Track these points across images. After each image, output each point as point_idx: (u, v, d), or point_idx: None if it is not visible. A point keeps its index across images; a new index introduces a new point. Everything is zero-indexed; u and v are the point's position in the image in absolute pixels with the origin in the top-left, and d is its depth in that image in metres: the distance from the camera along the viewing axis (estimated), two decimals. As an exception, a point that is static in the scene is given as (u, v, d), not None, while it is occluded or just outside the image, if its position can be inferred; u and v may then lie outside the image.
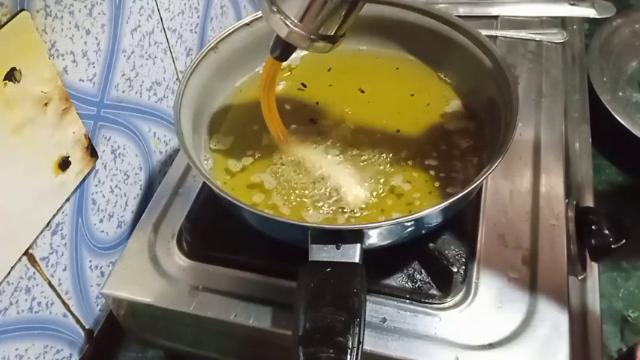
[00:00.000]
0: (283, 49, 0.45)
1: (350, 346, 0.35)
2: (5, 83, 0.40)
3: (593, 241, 0.52)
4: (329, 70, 0.59)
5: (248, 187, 0.50)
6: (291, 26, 0.42)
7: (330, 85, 0.58)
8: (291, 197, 0.48)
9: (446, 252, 0.47)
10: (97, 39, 0.50)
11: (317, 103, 0.56)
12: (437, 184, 0.49)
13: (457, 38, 0.55)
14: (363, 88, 0.58)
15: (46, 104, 0.44)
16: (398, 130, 0.53)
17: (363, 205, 0.47)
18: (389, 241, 0.43)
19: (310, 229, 0.41)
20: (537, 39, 0.71)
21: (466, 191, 0.41)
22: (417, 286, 0.46)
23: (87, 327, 0.56)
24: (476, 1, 0.76)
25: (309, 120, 0.55)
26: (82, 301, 0.54)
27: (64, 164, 0.48)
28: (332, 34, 0.43)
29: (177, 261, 0.50)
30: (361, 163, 0.51)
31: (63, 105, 0.46)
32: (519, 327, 0.44)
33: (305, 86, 0.58)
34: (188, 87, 0.50)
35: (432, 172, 0.50)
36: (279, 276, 0.48)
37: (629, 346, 0.56)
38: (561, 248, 0.49)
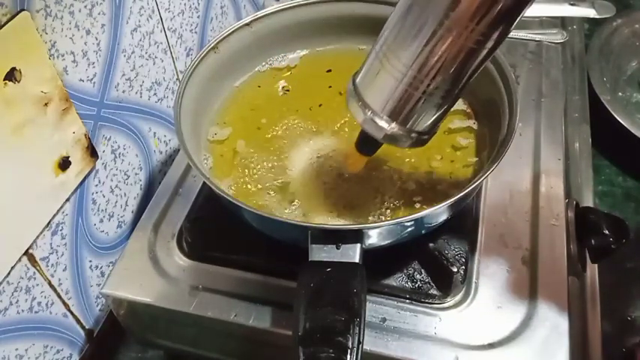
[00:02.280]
0: (375, 147, 0.44)
1: (350, 346, 0.35)
2: (5, 83, 0.40)
3: (593, 241, 0.52)
4: (329, 71, 0.59)
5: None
6: (387, 126, 0.39)
7: (330, 87, 0.58)
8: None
9: (446, 252, 0.47)
10: (97, 39, 0.50)
11: (320, 105, 0.56)
12: (439, 186, 0.49)
13: (457, 38, 0.55)
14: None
15: (46, 104, 0.44)
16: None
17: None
18: (389, 241, 0.43)
19: (310, 229, 0.41)
20: (537, 39, 0.71)
21: (466, 191, 0.41)
22: (417, 286, 0.46)
23: (87, 327, 0.56)
24: (476, 1, 0.76)
25: (308, 119, 0.55)
26: (82, 301, 0.54)
27: (64, 164, 0.48)
28: (427, 129, 0.40)
29: (177, 261, 0.50)
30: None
31: (63, 105, 0.46)
32: (519, 327, 0.44)
33: (304, 87, 0.58)
34: (188, 87, 0.50)
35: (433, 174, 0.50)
36: (279, 276, 0.48)
37: (629, 346, 0.56)
38: (561, 248, 0.49)
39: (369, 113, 0.39)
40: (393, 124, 0.39)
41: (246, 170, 0.51)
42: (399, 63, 0.37)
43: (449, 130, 0.53)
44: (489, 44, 0.35)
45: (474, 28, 0.34)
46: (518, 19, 0.35)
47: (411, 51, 0.36)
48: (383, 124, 0.39)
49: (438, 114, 0.39)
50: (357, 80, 0.41)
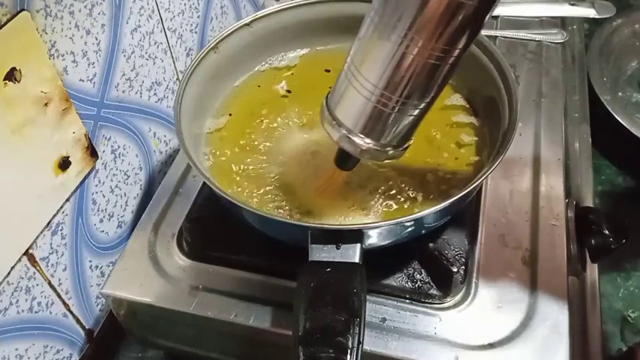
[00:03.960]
0: (354, 162, 0.44)
1: (350, 346, 0.35)
2: (5, 83, 0.40)
3: (593, 241, 0.52)
4: (327, 71, 0.59)
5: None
6: (362, 142, 0.39)
7: (330, 87, 0.58)
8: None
9: (446, 252, 0.47)
10: (97, 39, 0.50)
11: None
12: (442, 186, 0.49)
13: (457, 38, 0.55)
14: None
15: (46, 104, 0.44)
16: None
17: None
18: (389, 241, 0.43)
19: (310, 229, 0.41)
20: (537, 39, 0.71)
21: (466, 191, 0.41)
22: (416, 286, 0.46)
23: (87, 327, 0.56)
24: (476, 1, 0.76)
25: (307, 120, 0.55)
26: (82, 301, 0.54)
27: (64, 164, 0.48)
28: (402, 142, 0.41)
29: (177, 261, 0.50)
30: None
31: (63, 105, 0.46)
32: (519, 327, 0.44)
33: (304, 88, 0.58)
34: (188, 87, 0.50)
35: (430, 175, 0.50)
36: (279, 276, 0.48)
37: (629, 346, 0.56)
38: (561, 248, 0.49)
39: (344, 131, 0.40)
40: (368, 140, 0.39)
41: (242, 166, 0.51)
42: (367, 81, 0.37)
43: (454, 124, 0.53)
44: (451, 58, 0.35)
45: (434, 44, 0.34)
46: (477, 34, 0.35)
47: (377, 69, 0.36)
48: (358, 140, 0.39)
49: (410, 126, 0.40)
50: (329, 99, 0.41)
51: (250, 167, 0.51)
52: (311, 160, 0.51)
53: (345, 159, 0.44)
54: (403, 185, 0.49)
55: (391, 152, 0.41)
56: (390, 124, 0.39)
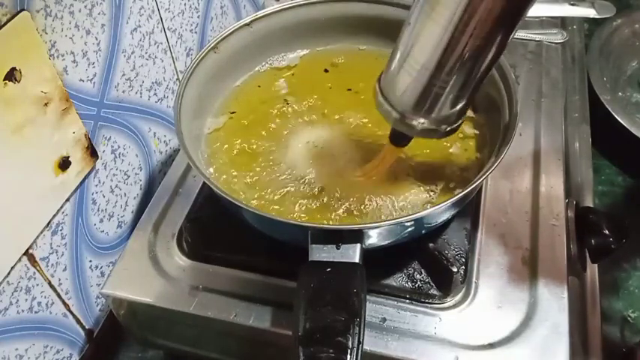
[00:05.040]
0: (409, 139, 0.45)
1: (350, 346, 0.35)
2: (5, 83, 0.40)
3: (593, 241, 0.52)
4: (326, 71, 0.59)
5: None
6: (417, 123, 0.41)
7: (330, 87, 0.58)
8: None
9: (446, 252, 0.47)
10: (97, 39, 0.50)
11: (325, 111, 0.56)
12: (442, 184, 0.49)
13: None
14: (361, 89, 0.57)
15: (46, 104, 0.44)
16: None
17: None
18: (389, 241, 0.43)
19: (310, 229, 0.41)
20: (537, 39, 0.71)
21: (466, 191, 0.41)
22: (417, 286, 0.46)
23: (87, 327, 0.56)
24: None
25: (307, 119, 0.55)
26: (82, 301, 0.54)
27: (64, 164, 0.48)
28: (456, 119, 0.42)
29: (178, 261, 0.50)
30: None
31: (63, 105, 0.46)
32: (519, 327, 0.44)
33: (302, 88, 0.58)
34: (188, 87, 0.50)
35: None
36: (279, 276, 0.48)
37: (629, 346, 0.56)
38: (561, 248, 0.49)
39: (398, 114, 0.41)
40: (422, 120, 0.41)
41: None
42: (418, 63, 0.39)
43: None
44: (499, 39, 0.37)
45: (483, 25, 0.35)
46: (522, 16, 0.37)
47: (428, 49, 0.38)
48: (412, 122, 0.41)
49: (463, 104, 0.41)
50: (382, 83, 0.42)
51: (252, 168, 0.51)
52: (317, 156, 0.52)
53: (400, 137, 0.45)
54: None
55: (446, 129, 0.42)
56: (443, 103, 0.40)
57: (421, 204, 0.47)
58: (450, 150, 0.51)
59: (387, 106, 0.42)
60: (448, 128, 0.42)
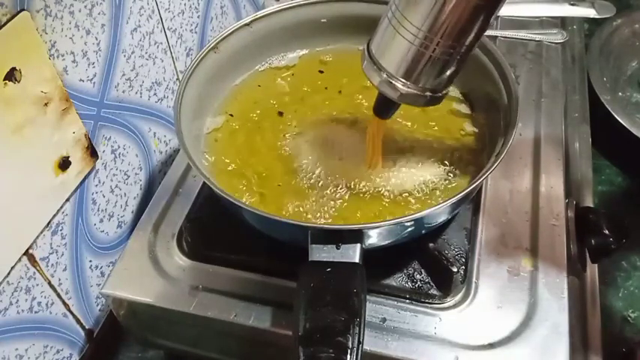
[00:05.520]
0: (392, 109, 0.45)
1: (350, 346, 0.35)
2: (5, 83, 0.40)
3: (593, 241, 0.52)
4: (321, 72, 0.59)
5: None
6: (402, 87, 0.41)
7: (326, 88, 0.58)
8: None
9: (446, 252, 0.47)
10: (97, 39, 0.50)
11: (324, 110, 0.56)
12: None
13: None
14: (362, 88, 0.57)
15: (46, 104, 0.44)
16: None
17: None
18: (389, 241, 0.43)
19: (310, 229, 0.41)
20: (537, 39, 0.71)
21: (466, 191, 0.41)
22: (417, 286, 0.46)
23: (87, 327, 0.56)
24: (476, 1, 0.76)
25: (308, 119, 0.55)
26: (82, 301, 0.54)
27: (64, 164, 0.48)
28: (440, 87, 0.42)
29: (178, 261, 0.50)
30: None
31: (63, 105, 0.46)
32: (519, 327, 0.44)
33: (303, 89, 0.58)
34: (188, 87, 0.50)
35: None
36: (279, 276, 0.48)
37: (630, 346, 0.56)
38: (561, 248, 0.49)
39: (385, 75, 0.41)
40: (408, 83, 0.41)
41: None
42: (410, 24, 0.39)
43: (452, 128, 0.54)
44: (492, 2, 0.38)
45: None
46: None
47: (421, 12, 0.38)
48: (398, 84, 0.41)
49: (449, 72, 0.41)
50: (372, 45, 0.42)
51: (253, 168, 0.51)
52: (319, 153, 0.52)
53: (383, 106, 0.45)
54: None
55: (430, 96, 0.42)
56: (430, 67, 0.40)
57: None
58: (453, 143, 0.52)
59: (373, 68, 0.42)
60: (432, 95, 0.42)
